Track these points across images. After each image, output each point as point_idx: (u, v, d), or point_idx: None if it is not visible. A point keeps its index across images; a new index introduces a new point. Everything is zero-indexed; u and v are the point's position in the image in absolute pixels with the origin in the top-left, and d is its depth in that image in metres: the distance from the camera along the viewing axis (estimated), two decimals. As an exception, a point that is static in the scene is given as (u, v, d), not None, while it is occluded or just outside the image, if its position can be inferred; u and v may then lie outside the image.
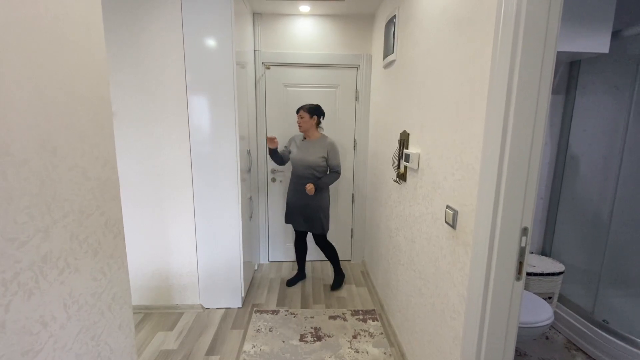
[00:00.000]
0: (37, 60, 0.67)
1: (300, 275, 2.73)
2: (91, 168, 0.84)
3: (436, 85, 1.38)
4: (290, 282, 2.66)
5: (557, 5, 0.87)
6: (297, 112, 2.40)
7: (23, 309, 0.64)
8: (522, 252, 0.98)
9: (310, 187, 2.29)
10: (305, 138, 2.44)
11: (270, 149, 2.38)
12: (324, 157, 2.36)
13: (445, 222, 1.27)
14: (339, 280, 2.64)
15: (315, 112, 2.39)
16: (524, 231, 0.96)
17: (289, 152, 2.48)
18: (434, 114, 1.41)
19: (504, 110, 0.91)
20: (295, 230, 2.58)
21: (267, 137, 2.36)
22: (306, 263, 2.89)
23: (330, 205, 2.58)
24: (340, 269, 2.66)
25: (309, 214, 2.41)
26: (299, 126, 2.40)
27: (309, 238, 2.61)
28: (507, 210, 0.94)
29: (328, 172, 2.42)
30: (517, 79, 0.89)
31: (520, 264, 0.98)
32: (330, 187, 2.55)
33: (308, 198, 2.38)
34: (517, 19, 0.87)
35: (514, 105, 0.89)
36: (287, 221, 2.55)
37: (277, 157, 2.43)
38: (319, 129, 2.45)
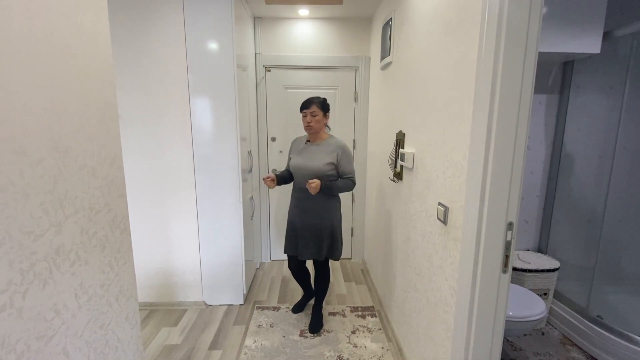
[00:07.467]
0: (49, 69, 0.73)
1: (307, 295, 2.30)
2: (99, 167, 0.90)
3: (428, 87, 1.43)
4: (298, 308, 2.26)
5: (537, 8, 0.91)
6: (306, 108, 1.85)
7: (38, 296, 0.70)
8: (508, 246, 1.02)
9: (314, 184, 1.74)
10: (308, 140, 1.95)
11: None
12: (333, 164, 1.85)
13: (438, 218, 1.31)
14: (319, 319, 2.09)
15: (327, 107, 1.90)
16: (510, 226, 1.01)
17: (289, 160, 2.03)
18: (427, 114, 1.45)
19: (488, 110, 0.95)
20: (295, 261, 2.07)
21: (264, 179, 1.89)
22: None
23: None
24: (322, 308, 2.15)
25: (321, 237, 1.91)
26: (309, 127, 1.87)
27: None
28: (492, 205, 0.99)
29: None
30: (500, 80, 0.93)
31: (507, 257, 1.03)
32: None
33: (317, 216, 1.89)
34: (499, 22, 0.92)
35: (497, 105, 0.94)
36: (289, 251, 2.01)
37: (281, 181, 1.99)
38: (325, 128, 1.97)
